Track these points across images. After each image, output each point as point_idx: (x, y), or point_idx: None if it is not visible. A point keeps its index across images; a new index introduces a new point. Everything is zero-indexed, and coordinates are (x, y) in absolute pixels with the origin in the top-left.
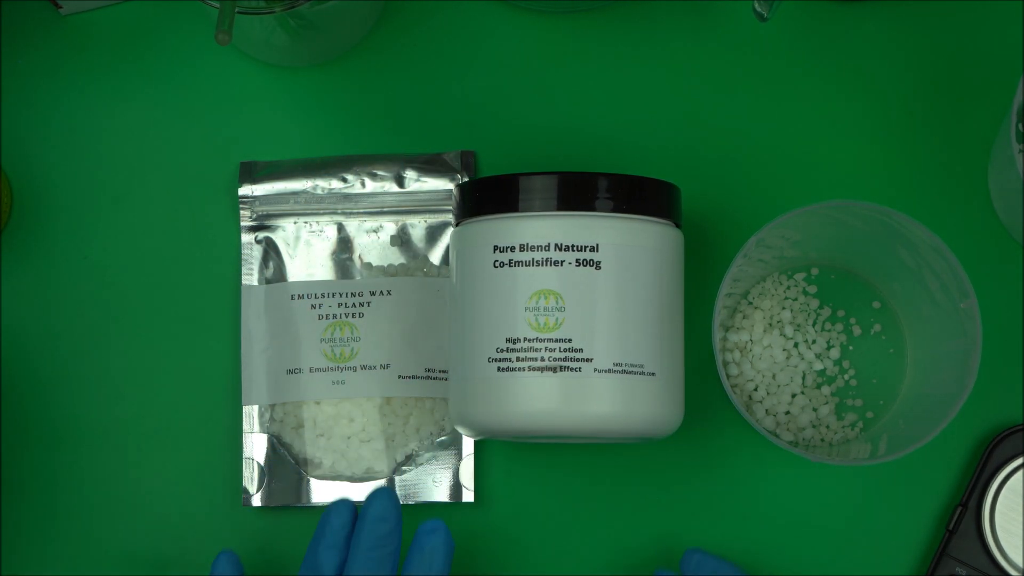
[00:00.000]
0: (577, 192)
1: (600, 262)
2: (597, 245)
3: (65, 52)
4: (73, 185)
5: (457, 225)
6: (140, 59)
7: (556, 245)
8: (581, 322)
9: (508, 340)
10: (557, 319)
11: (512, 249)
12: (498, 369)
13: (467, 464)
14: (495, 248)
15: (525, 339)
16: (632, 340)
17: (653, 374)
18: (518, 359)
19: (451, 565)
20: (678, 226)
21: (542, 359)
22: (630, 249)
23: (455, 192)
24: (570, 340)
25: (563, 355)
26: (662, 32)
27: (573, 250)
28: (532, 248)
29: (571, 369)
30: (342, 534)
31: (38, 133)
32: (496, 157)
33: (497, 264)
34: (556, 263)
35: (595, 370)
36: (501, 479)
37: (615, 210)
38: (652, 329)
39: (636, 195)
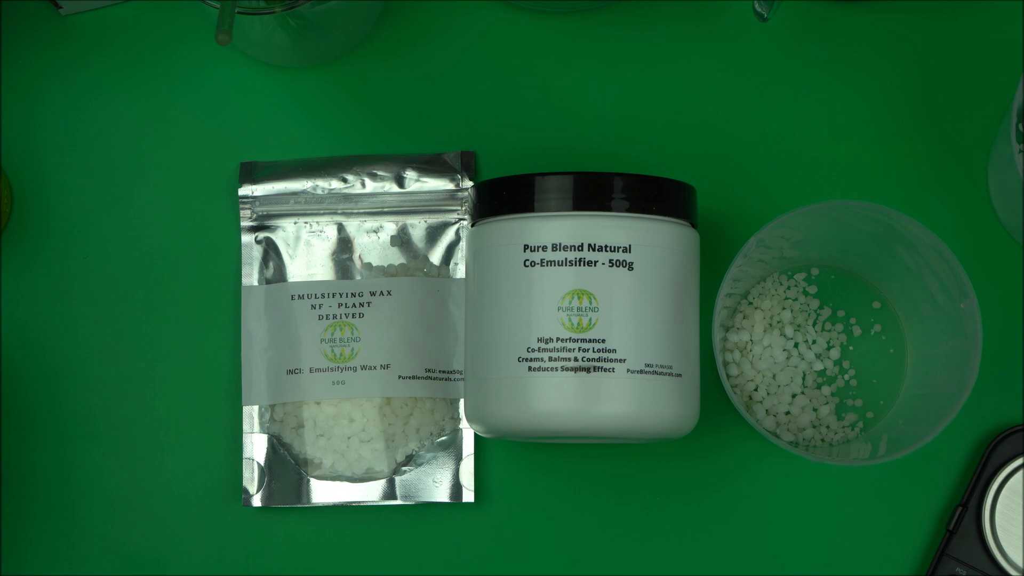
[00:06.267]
0: (608, 192)
1: (633, 263)
2: (630, 246)
3: (65, 52)
4: (73, 185)
5: (474, 225)
6: (140, 59)
7: (590, 245)
8: (614, 323)
9: (540, 340)
10: (591, 319)
11: (544, 248)
12: (529, 369)
13: (467, 464)
14: (525, 247)
15: (558, 339)
16: (662, 341)
17: (680, 375)
18: (551, 359)
19: None
20: (695, 227)
21: (575, 359)
22: (659, 250)
23: (472, 192)
24: (603, 340)
25: (597, 355)
26: (661, 32)
27: (607, 250)
28: (565, 248)
29: (605, 369)
30: None
31: (38, 133)
32: (496, 157)
33: (528, 263)
34: (590, 263)
35: (628, 371)
36: (501, 479)
37: (645, 211)
38: (678, 330)
39: (665, 196)
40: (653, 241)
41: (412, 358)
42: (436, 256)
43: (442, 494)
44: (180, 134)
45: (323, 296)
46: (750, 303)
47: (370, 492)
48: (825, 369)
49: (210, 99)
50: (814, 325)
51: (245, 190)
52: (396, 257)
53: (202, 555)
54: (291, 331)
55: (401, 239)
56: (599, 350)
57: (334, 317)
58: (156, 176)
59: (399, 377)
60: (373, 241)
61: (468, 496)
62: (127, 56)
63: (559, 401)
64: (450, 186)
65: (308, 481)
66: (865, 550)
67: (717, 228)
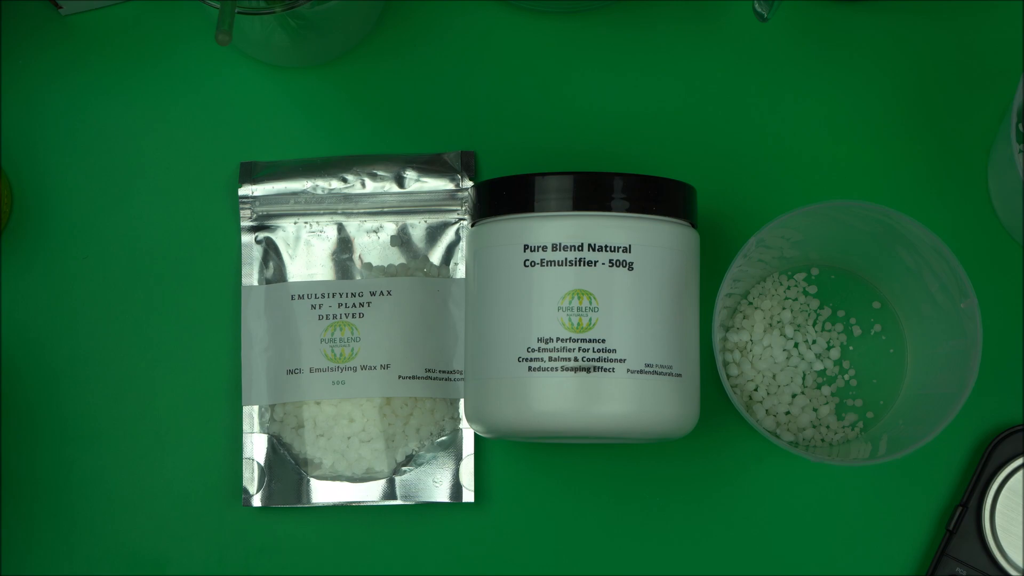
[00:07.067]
0: (608, 192)
1: (633, 263)
2: (630, 246)
3: (65, 52)
4: (73, 185)
5: (474, 225)
6: (140, 59)
7: (590, 245)
8: (614, 323)
9: (540, 340)
10: (591, 319)
11: (544, 248)
12: (529, 369)
13: (467, 464)
14: (525, 247)
15: (558, 339)
16: (662, 341)
17: (680, 375)
18: (551, 359)
19: None
20: (695, 227)
21: (575, 359)
22: (659, 250)
23: (472, 192)
24: (603, 340)
25: (597, 355)
26: (661, 32)
27: (607, 251)
28: (565, 248)
29: (605, 369)
30: None
31: (38, 133)
32: (496, 157)
33: (528, 263)
34: (590, 263)
35: (628, 371)
36: (501, 479)
37: (645, 211)
38: (678, 330)
39: (665, 196)
40: (653, 241)
41: (412, 358)
42: (436, 256)
43: (442, 494)
44: (180, 134)
45: (323, 296)
46: (750, 303)
47: (370, 492)
48: (825, 369)
49: (210, 99)
50: (814, 325)
51: (245, 190)
52: (396, 257)
53: (202, 555)
54: (291, 331)
55: (401, 239)
56: (599, 350)
57: (334, 317)
58: (156, 176)
59: (399, 377)
60: (373, 241)
61: (468, 496)
62: (127, 56)
63: (559, 401)
64: (450, 186)
65: (308, 481)
66: (865, 550)
67: (717, 228)
